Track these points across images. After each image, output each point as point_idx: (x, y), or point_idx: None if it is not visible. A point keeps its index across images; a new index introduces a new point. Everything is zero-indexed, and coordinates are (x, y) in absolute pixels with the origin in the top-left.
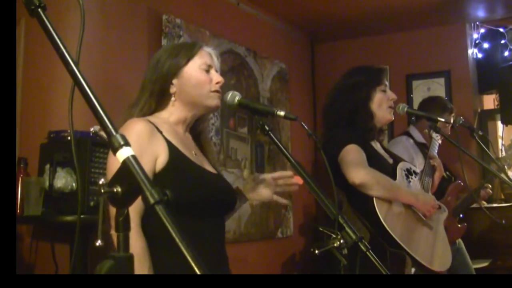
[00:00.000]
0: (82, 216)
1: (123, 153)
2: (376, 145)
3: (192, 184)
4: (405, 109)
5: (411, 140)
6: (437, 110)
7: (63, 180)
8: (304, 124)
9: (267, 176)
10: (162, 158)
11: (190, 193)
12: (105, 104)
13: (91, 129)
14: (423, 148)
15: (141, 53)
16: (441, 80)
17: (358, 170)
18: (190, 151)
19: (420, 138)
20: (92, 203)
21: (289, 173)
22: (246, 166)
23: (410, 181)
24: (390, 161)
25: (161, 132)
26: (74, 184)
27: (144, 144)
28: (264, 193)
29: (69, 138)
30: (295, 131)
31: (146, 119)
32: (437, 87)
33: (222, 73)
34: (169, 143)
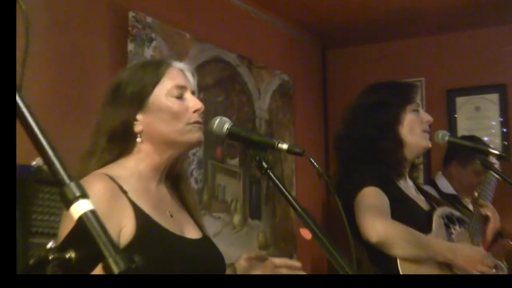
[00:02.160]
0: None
1: (79, 208)
2: (407, 185)
3: (165, 262)
4: (446, 137)
5: (434, 191)
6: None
7: None
8: (313, 161)
9: (268, 259)
10: (127, 229)
11: (163, 272)
12: (56, 129)
13: (33, 163)
14: (452, 200)
15: (100, 63)
16: (494, 97)
17: (374, 224)
18: (165, 212)
19: (448, 188)
20: (31, 261)
21: (296, 264)
22: (237, 209)
23: (451, 233)
24: (425, 206)
25: (126, 193)
26: None
27: (103, 213)
28: None
29: None
30: (302, 162)
31: (107, 174)
32: (488, 106)
33: (207, 88)
34: (136, 209)
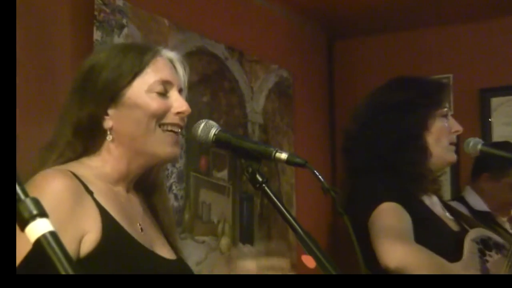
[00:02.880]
0: None
1: (37, 229)
2: (432, 201)
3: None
4: (479, 146)
5: (463, 208)
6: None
7: None
8: (317, 173)
9: (247, 264)
10: (91, 236)
11: None
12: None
13: None
14: (485, 218)
15: (61, 55)
16: None
17: (393, 248)
18: (135, 224)
19: (479, 205)
20: None
21: (281, 263)
22: (225, 231)
23: (486, 261)
24: (455, 226)
25: (91, 194)
26: None
27: (63, 214)
28: None
29: None
30: (303, 176)
31: (69, 170)
32: None
33: (190, 85)
34: (103, 213)
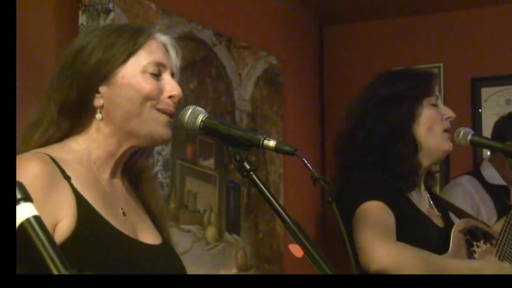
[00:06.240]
0: None
1: (21, 213)
2: (420, 197)
3: (110, 267)
4: (469, 136)
5: (476, 182)
6: None
7: None
8: (306, 162)
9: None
10: (65, 223)
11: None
12: None
13: None
14: (498, 192)
15: (45, 39)
16: None
17: (375, 248)
18: (117, 209)
19: (495, 179)
20: None
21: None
22: (212, 221)
23: (473, 252)
24: (440, 222)
25: (68, 179)
26: None
27: (36, 201)
28: None
29: None
30: (292, 164)
31: (46, 154)
32: None
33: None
34: (79, 200)
